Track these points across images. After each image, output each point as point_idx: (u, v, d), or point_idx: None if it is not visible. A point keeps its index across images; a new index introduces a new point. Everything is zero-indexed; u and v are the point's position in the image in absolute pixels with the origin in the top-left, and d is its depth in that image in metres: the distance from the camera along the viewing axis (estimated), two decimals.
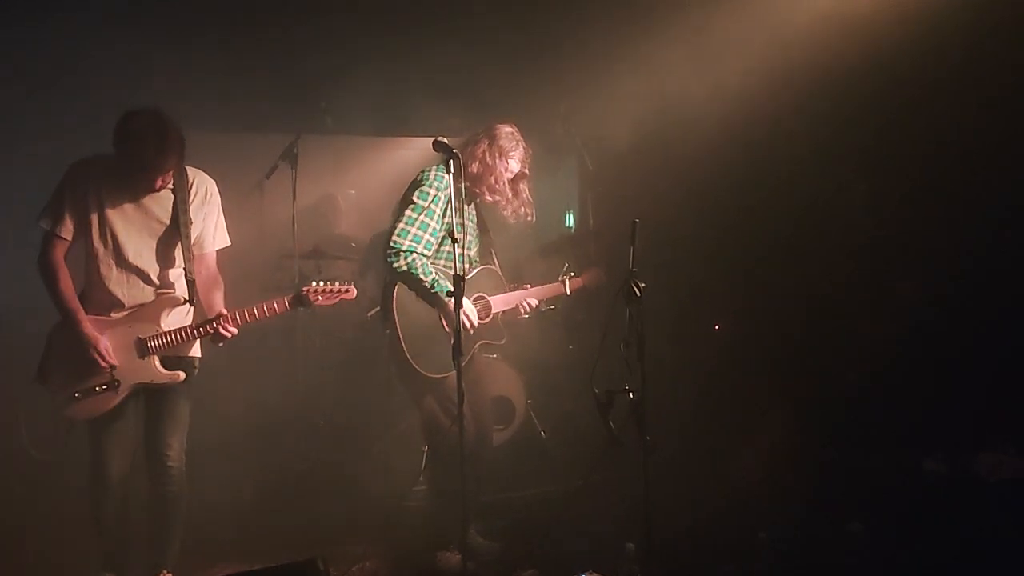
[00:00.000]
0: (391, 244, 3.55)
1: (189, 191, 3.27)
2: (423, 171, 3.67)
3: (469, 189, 3.75)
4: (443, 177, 3.61)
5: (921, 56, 3.91)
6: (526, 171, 3.86)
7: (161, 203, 3.24)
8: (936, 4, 3.88)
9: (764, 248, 4.94)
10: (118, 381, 3.18)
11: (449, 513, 3.56)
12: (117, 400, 3.20)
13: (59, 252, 3.17)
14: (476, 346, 3.75)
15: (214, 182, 3.39)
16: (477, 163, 3.73)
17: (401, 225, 3.57)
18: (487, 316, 3.80)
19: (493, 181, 3.74)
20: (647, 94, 5.37)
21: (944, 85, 3.90)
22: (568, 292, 4.12)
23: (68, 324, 3.15)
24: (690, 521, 3.90)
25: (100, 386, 3.16)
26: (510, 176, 3.80)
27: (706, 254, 5.23)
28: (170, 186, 3.23)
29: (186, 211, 3.24)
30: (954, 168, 3.92)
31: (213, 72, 5.29)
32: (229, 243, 3.46)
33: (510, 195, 3.80)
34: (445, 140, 3.32)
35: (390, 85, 5.71)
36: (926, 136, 4.01)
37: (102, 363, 3.14)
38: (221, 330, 3.23)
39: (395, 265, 3.55)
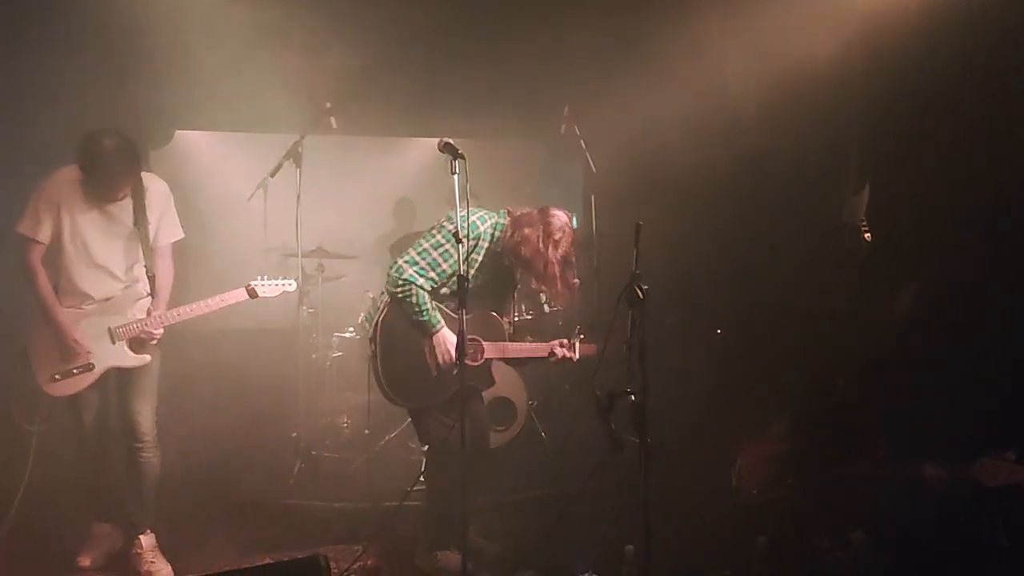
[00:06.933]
0: (394, 268, 3.55)
1: (145, 195, 3.71)
2: (464, 216, 3.44)
3: (519, 273, 3.78)
4: (477, 227, 3.57)
5: (932, 64, 3.88)
6: (572, 258, 3.77)
7: (123, 208, 3.69)
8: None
9: (768, 253, 4.95)
10: (93, 364, 3.68)
11: (450, 513, 3.58)
12: (92, 380, 3.69)
13: (37, 255, 3.62)
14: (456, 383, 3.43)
15: (165, 183, 3.86)
16: (529, 248, 3.62)
17: (412, 254, 3.55)
18: (479, 359, 3.74)
19: (543, 268, 3.63)
20: (652, 97, 5.38)
21: (958, 94, 3.85)
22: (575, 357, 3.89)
23: (47, 317, 3.63)
24: (690, 524, 3.90)
25: (77, 368, 3.65)
26: (559, 261, 3.68)
27: (709, 258, 5.24)
28: (129, 193, 3.68)
29: (144, 214, 3.70)
30: (959, 181, 3.90)
31: (219, 73, 5.32)
32: (183, 235, 3.90)
33: (559, 284, 3.68)
34: (451, 141, 3.32)
35: (395, 86, 5.73)
36: (935, 147, 3.97)
37: (77, 350, 3.63)
38: (146, 334, 3.71)
39: (392, 289, 3.57)
